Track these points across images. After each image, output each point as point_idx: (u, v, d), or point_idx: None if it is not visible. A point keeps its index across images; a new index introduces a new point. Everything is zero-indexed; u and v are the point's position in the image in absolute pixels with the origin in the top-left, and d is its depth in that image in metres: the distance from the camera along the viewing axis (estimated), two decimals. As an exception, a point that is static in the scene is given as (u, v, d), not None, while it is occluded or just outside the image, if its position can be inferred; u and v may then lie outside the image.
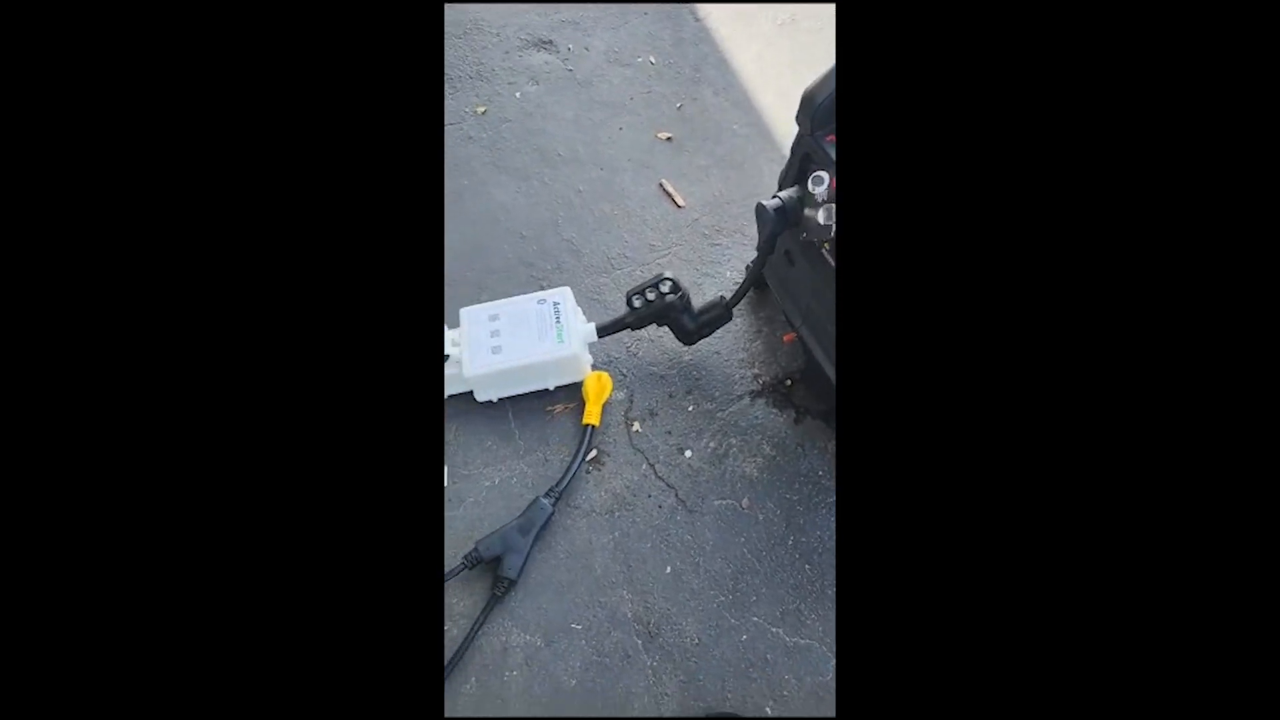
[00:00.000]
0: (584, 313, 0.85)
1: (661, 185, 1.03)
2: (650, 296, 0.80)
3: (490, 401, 0.83)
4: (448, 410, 0.84)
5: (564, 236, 0.99)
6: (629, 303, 0.81)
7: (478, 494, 0.80)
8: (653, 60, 1.17)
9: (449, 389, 0.83)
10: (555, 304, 0.82)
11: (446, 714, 0.67)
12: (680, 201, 1.01)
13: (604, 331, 0.83)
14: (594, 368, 0.85)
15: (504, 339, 0.80)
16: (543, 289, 0.93)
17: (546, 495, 0.76)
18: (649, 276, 0.95)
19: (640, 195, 1.02)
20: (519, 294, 0.92)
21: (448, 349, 0.79)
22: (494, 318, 0.82)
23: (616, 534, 0.77)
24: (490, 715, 0.68)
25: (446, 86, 1.15)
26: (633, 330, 0.84)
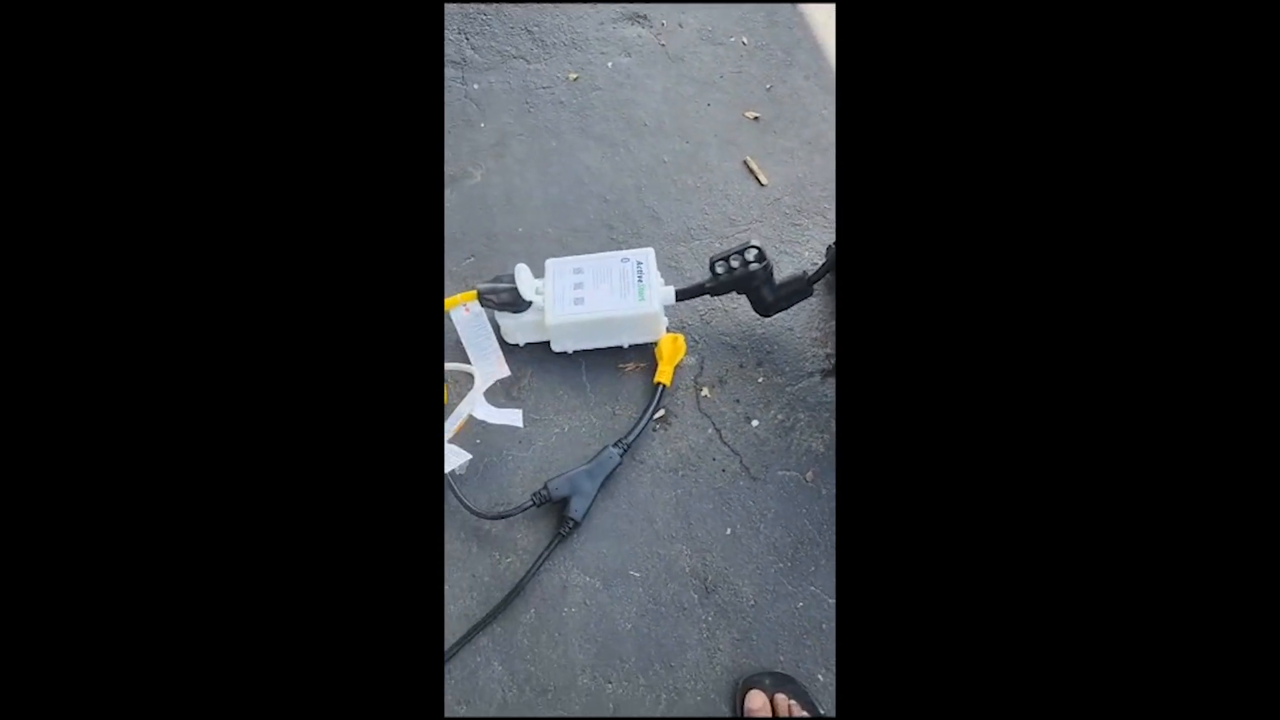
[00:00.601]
0: (661, 276, 0.87)
1: (746, 163, 1.04)
2: (734, 264, 0.81)
3: (565, 353, 0.85)
4: (524, 357, 0.86)
5: (646, 203, 1.00)
6: (711, 268, 0.82)
7: (547, 439, 0.82)
8: (745, 41, 1.18)
9: (528, 336, 0.85)
10: (639, 263, 0.83)
11: (508, 637, 0.69)
12: (764, 180, 1.02)
13: (683, 295, 0.84)
14: (668, 330, 0.87)
15: (586, 291, 0.82)
16: (618, 244, 0.95)
17: (615, 445, 0.78)
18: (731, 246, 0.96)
19: (724, 170, 1.03)
20: (598, 252, 0.94)
21: (531, 296, 0.81)
22: (578, 271, 0.84)
23: (679, 491, 0.78)
24: (546, 648, 0.70)
25: (541, 51, 1.18)
26: (711, 296, 0.85)
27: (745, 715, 0.66)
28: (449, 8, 1.22)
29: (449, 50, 1.17)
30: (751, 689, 0.67)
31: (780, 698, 0.66)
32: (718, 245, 0.96)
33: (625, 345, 0.85)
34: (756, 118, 1.08)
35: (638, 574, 0.73)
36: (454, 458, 0.70)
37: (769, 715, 0.65)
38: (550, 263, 0.85)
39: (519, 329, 0.84)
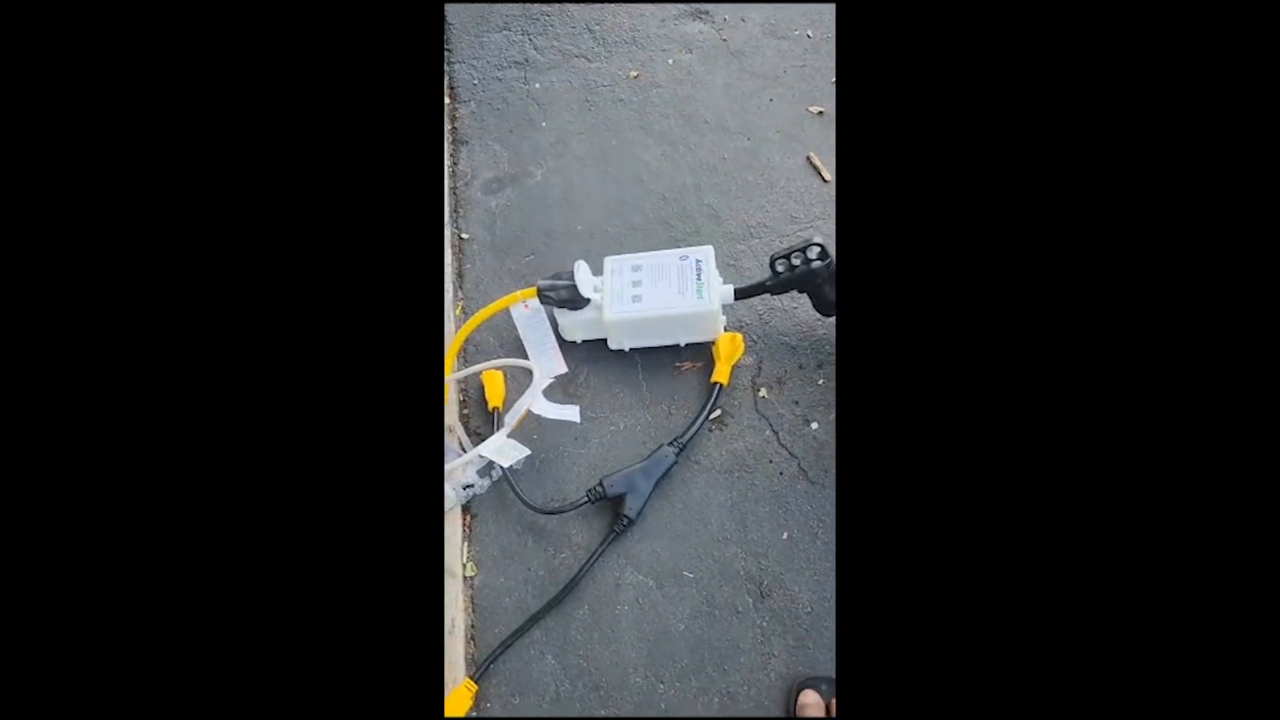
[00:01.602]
0: (720, 275, 0.86)
1: (809, 159, 1.01)
2: (796, 262, 0.79)
3: (622, 351, 0.85)
4: (581, 354, 0.87)
5: (705, 201, 0.99)
6: (772, 266, 0.81)
7: (602, 436, 0.82)
8: (810, 34, 1.15)
9: (586, 334, 0.86)
10: (698, 261, 0.82)
11: (562, 631, 0.70)
12: (827, 176, 0.99)
13: (742, 294, 0.83)
14: (726, 329, 0.86)
15: (645, 289, 0.82)
16: (677, 241, 0.94)
17: (671, 444, 0.77)
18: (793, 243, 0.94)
19: (786, 167, 1.01)
20: (662, 245, 0.93)
21: (591, 293, 0.82)
22: (636, 268, 0.84)
23: (734, 493, 0.77)
24: (599, 644, 0.70)
25: (602, 49, 1.18)
26: (772, 295, 0.83)
27: (798, 713, 0.64)
28: (513, 10, 1.24)
29: (513, 51, 1.19)
30: (806, 689, 0.66)
31: (836, 703, 0.64)
32: (779, 243, 0.94)
33: (682, 344, 0.84)
34: (820, 112, 1.05)
35: (691, 575, 0.73)
36: (512, 452, 0.71)
37: (823, 716, 0.63)
38: (609, 260, 0.85)
39: (577, 326, 0.85)
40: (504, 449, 0.68)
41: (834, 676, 0.66)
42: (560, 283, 0.81)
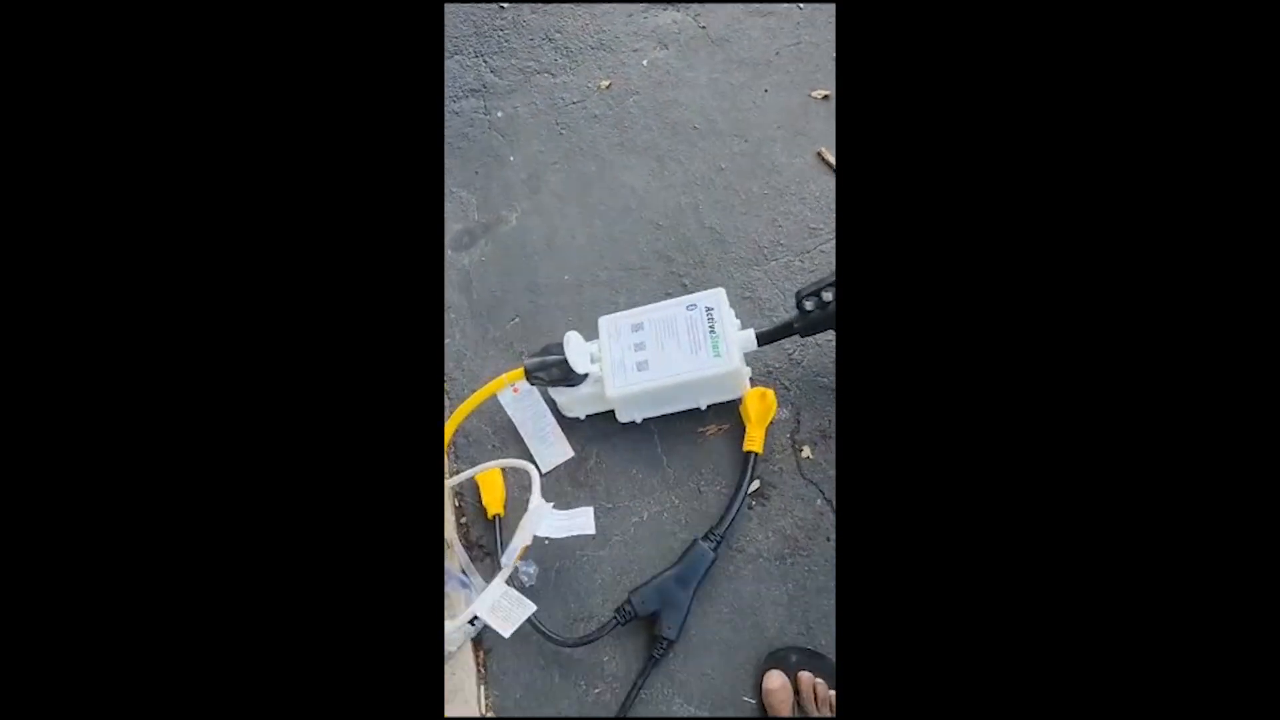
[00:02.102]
0: (735, 313, 0.72)
1: (820, 154, 0.87)
2: (826, 297, 0.66)
3: (634, 422, 0.73)
4: (587, 432, 0.75)
5: (706, 223, 0.85)
6: (799, 305, 0.67)
7: (625, 531, 0.70)
8: (800, 6, 1.00)
9: (588, 409, 0.74)
10: (708, 310, 0.69)
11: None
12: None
13: (766, 339, 0.69)
14: (752, 381, 0.73)
15: (650, 353, 0.69)
16: (685, 286, 0.81)
17: (706, 538, 0.65)
18: (815, 269, 0.80)
19: (794, 168, 0.87)
20: (658, 293, 0.80)
21: (587, 366, 0.69)
22: (637, 328, 0.71)
23: (790, 585, 0.64)
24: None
25: (567, 60, 1.04)
26: (802, 337, 0.70)
27: (764, 698, 0.59)
28: (462, 30, 1.11)
29: (468, 78, 1.06)
30: (771, 669, 0.59)
31: (805, 676, 0.59)
32: (797, 264, 0.80)
33: (703, 407, 0.72)
34: (825, 96, 0.90)
35: (753, 701, 0.61)
36: (514, 611, 0.57)
37: (789, 696, 0.58)
38: (604, 322, 0.72)
39: (577, 402, 0.72)
40: (502, 608, 0.56)
41: (802, 646, 0.61)
42: (550, 359, 0.69)
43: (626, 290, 0.83)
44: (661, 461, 0.72)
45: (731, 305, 0.72)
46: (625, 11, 1.06)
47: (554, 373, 0.69)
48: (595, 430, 0.75)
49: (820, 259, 0.80)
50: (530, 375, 0.70)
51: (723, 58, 0.98)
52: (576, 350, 0.69)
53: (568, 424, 0.75)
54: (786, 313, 0.77)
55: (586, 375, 0.69)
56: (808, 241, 0.81)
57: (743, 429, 0.71)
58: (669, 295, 0.81)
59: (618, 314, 0.72)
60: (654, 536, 0.69)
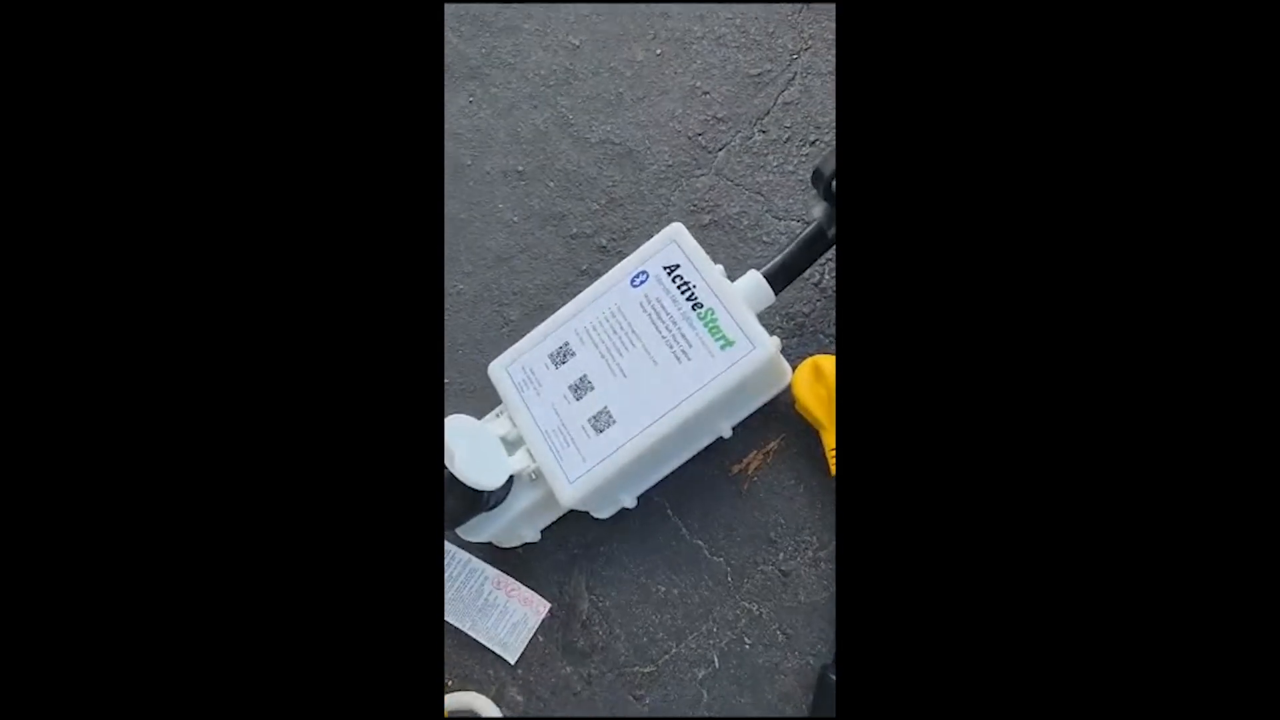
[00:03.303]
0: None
1: (711, -34, 0.54)
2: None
3: (624, 509, 0.41)
4: (555, 556, 0.42)
5: (589, 137, 0.52)
6: (826, 190, 0.36)
7: (682, 684, 0.39)
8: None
9: (537, 523, 0.41)
10: (672, 271, 0.37)
11: None
12: (764, -25, 0.53)
13: (783, 277, 0.38)
14: (786, 354, 0.42)
15: (604, 391, 0.36)
16: (604, 249, 0.48)
17: (830, 666, 0.35)
18: (793, 130, 0.49)
19: (678, 17, 0.54)
20: (567, 277, 0.47)
21: (499, 469, 0.36)
22: (562, 355, 0.38)
23: None
24: None
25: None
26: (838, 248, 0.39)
27: None
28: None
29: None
30: None
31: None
32: (758, 137, 0.49)
33: (728, 434, 0.40)
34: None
35: None
36: None
37: None
38: (499, 371, 0.39)
39: (513, 524, 0.40)
40: None
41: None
42: (431, 482, 0.36)
43: (515, 297, 0.49)
44: (697, 552, 0.41)
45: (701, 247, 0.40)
46: None
47: (449, 507, 0.35)
48: (566, 545, 0.43)
49: (793, 115, 0.49)
50: (408, 526, 0.36)
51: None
52: (470, 447, 0.35)
53: (515, 560, 0.43)
54: (785, 223, 0.46)
55: (508, 483, 0.37)
56: (757, 98, 0.50)
57: (804, 438, 0.40)
58: (585, 274, 0.48)
59: (517, 345, 0.39)
60: (743, 680, 0.38)
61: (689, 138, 0.50)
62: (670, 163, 0.50)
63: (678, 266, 0.37)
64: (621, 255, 0.48)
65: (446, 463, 0.34)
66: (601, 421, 0.36)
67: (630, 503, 0.40)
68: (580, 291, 0.41)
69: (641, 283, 0.37)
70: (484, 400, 0.44)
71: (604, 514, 0.40)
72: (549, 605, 0.41)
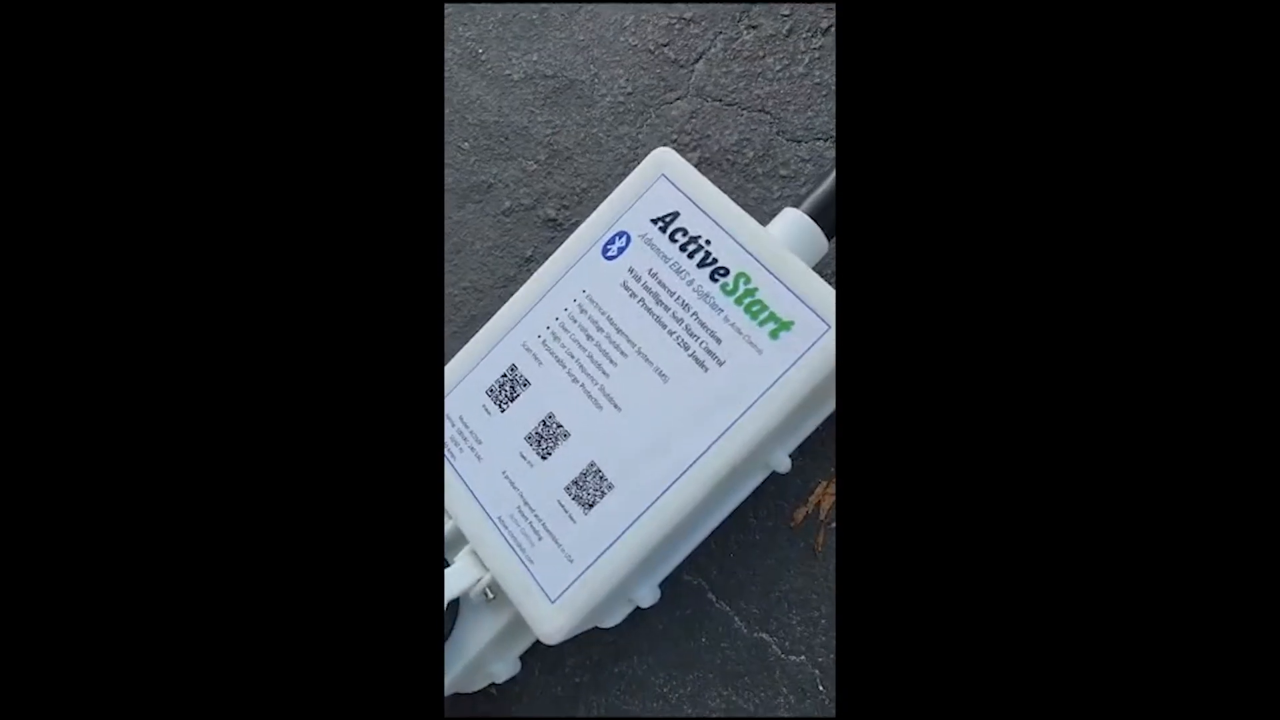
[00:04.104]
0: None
1: None
2: None
3: (637, 609, 0.27)
4: (555, 689, 0.28)
5: (507, 72, 0.38)
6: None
7: None
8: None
9: (508, 652, 0.26)
10: (666, 223, 0.23)
11: None
12: None
13: (834, 211, 0.25)
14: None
15: (586, 438, 0.22)
16: (555, 222, 0.34)
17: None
18: (795, 24, 0.35)
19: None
20: (508, 269, 0.33)
21: (446, 599, 0.22)
22: (509, 388, 0.23)
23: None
24: None
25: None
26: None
27: None
28: None
29: None
30: None
31: None
32: (747, 37, 0.35)
33: (785, 468, 0.26)
34: None
35: None
36: None
37: None
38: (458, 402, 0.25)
39: (474, 664, 0.25)
40: None
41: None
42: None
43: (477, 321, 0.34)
44: (764, 650, 0.27)
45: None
46: None
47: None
48: (560, 672, 0.28)
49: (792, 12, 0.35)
50: None
51: None
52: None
53: (490, 707, 0.28)
54: (807, 145, 0.32)
55: (452, 610, 0.22)
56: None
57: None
58: (532, 261, 0.34)
59: (453, 377, 0.25)
60: None
61: (650, 51, 0.36)
62: (629, 90, 0.36)
63: (676, 215, 0.23)
64: (564, 226, 0.34)
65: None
66: (589, 490, 0.22)
67: (650, 599, 0.26)
68: (528, 280, 0.26)
69: (621, 250, 0.23)
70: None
71: (612, 621, 0.26)
72: (547, 773, 0.27)
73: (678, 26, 0.37)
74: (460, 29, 0.39)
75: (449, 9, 0.40)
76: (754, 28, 0.36)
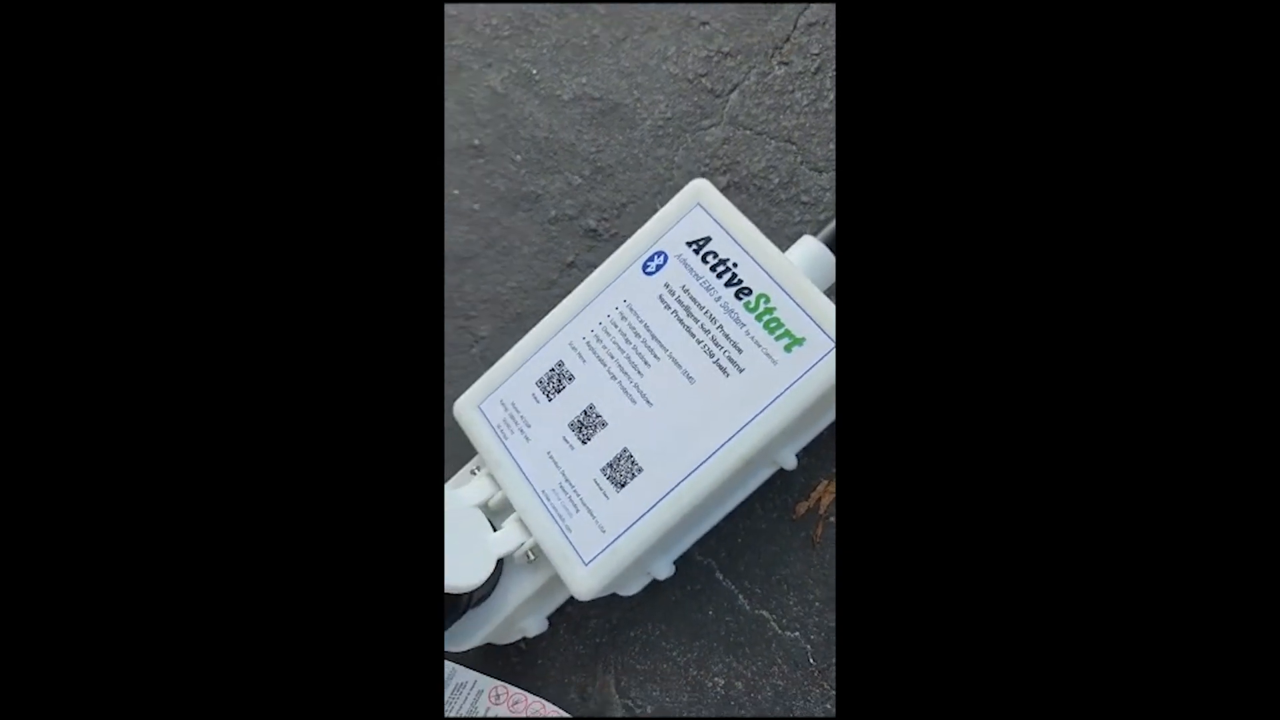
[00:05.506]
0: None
1: None
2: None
3: (653, 581, 0.31)
4: (576, 647, 0.31)
5: (559, 94, 0.41)
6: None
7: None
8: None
9: (539, 611, 0.30)
10: (699, 246, 0.26)
11: None
12: None
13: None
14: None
15: (620, 428, 0.25)
16: (595, 233, 0.37)
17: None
18: (821, 56, 0.38)
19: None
20: (551, 272, 0.37)
21: (484, 554, 0.25)
22: (556, 381, 0.27)
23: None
24: None
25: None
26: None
27: None
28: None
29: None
30: None
31: None
32: (778, 71, 0.38)
33: (791, 465, 0.30)
34: None
35: None
36: None
37: None
38: (467, 410, 0.28)
39: (509, 620, 0.29)
40: None
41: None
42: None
43: (484, 306, 0.38)
44: (763, 626, 0.31)
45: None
46: None
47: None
48: (583, 632, 0.32)
49: (820, 39, 0.38)
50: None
51: None
52: (455, 526, 0.24)
53: (518, 657, 0.32)
54: (828, 175, 0.35)
55: (496, 569, 0.26)
56: (771, 22, 0.39)
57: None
58: (573, 267, 0.37)
59: (491, 373, 0.28)
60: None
61: (689, 81, 0.39)
62: (669, 115, 0.39)
63: (708, 240, 0.26)
64: (617, 238, 0.37)
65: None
66: (622, 472, 0.25)
67: (666, 572, 0.29)
68: (567, 290, 0.30)
69: (659, 268, 0.27)
70: (451, 450, 0.34)
71: (631, 591, 0.29)
72: (568, 718, 0.31)
73: (715, 59, 0.40)
74: (518, 51, 0.43)
75: (507, 31, 0.44)
76: (785, 64, 0.39)
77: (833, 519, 0.32)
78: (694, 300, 0.26)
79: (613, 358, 0.27)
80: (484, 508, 0.27)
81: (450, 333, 0.38)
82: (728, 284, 0.26)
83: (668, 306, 0.27)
